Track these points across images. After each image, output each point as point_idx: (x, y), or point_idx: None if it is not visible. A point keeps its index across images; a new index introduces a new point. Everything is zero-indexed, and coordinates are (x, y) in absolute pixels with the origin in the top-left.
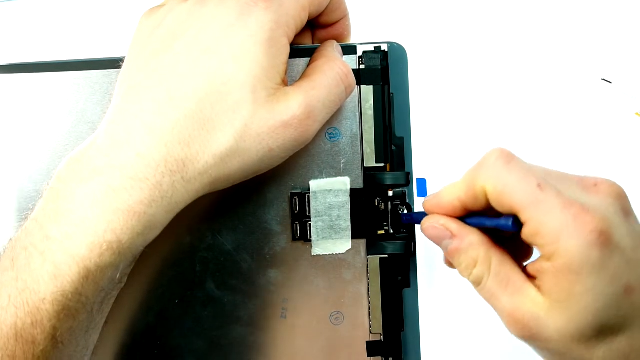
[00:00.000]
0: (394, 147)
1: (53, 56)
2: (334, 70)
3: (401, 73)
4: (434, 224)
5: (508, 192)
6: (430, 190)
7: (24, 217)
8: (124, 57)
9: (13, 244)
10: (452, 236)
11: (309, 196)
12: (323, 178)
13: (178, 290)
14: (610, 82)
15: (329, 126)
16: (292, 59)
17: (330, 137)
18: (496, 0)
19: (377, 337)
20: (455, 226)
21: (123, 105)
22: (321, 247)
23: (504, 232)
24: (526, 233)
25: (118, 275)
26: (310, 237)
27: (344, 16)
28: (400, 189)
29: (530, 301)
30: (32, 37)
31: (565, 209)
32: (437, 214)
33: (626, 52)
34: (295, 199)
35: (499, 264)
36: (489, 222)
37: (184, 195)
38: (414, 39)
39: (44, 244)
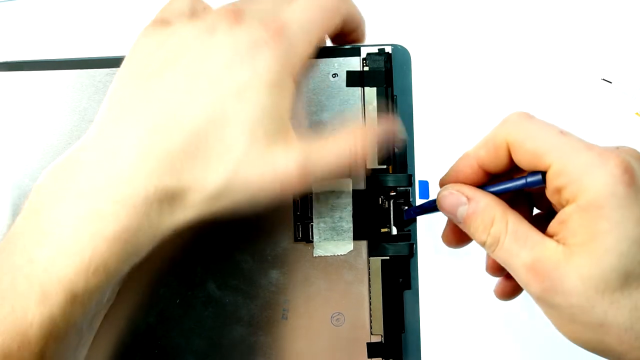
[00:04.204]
0: (396, 149)
1: (56, 54)
2: (348, 151)
3: (405, 75)
4: (450, 191)
5: (532, 138)
6: (432, 192)
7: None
8: None
9: None
10: (468, 200)
11: (311, 197)
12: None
13: (179, 290)
14: (610, 82)
15: (333, 128)
16: None
17: None
18: (497, 3)
19: (378, 339)
20: (471, 191)
21: (114, 124)
22: (323, 248)
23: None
24: (551, 176)
25: (106, 297)
26: (312, 238)
27: (359, 25)
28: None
29: (551, 251)
30: (35, 35)
31: (589, 149)
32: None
33: (626, 52)
34: (298, 200)
35: (516, 222)
36: (514, 184)
37: (169, 226)
38: (417, 41)
39: (28, 267)
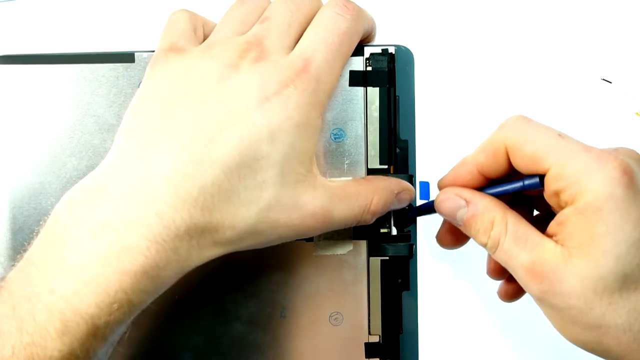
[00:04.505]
0: (398, 150)
1: (60, 49)
2: (365, 200)
3: (407, 76)
4: (448, 195)
5: (530, 141)
6: (433, 193)
7: (26, 213)
8: (132, 52)
9: (10, 287)
10: (467, 203)
11: None
12: (327, 178)
13: (177, 287)
14: (610, 82)
15: (334, 127)
16: None
17: (335, 138)
18: (498, 5)
19: (376, 339)
20: (469, 193)
21: (139, 152)
22: (323, 247)
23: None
24: (549, 180)
25: (125, 328)
26: (313, 237)
27: (372, 31)
28: None
29: (550, 252)
30: (39, 29)
31: (588, 151)
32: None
33: (626, 52)
34: None
35: (516, 223)
36: (511, 186)
37: (195, 260)
38: (420, 42)
39: (49, 298)
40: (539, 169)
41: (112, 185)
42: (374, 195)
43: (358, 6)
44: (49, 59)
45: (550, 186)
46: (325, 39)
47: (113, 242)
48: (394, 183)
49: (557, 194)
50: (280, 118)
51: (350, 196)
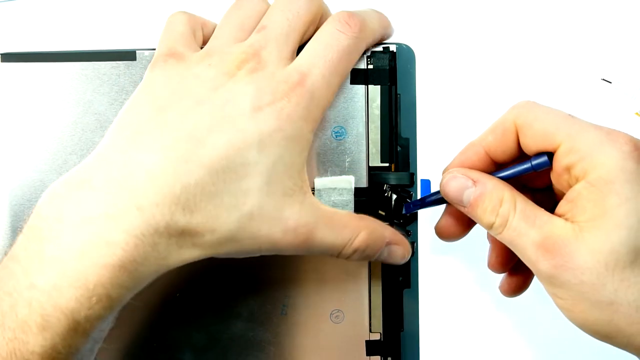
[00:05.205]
0: (399, 148)
1: (61, 47)
2: (351, 233)
3: (409, 74)
4: (455, 175)
5: (541, 119)
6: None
7: (29, 211)
8: (133, 50)
9: None
10: (474, 183)
11: (313, 194)
12: (328, 176)
13: (178, 285)
14: (610, 82)
15: (336, 124)
16: None
17: (336, 136)
18: (499, 4)
19: (377, 337)
20: (476, 174)
21: (125, 146)
22: None
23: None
24: (560, 155)
25: (108, 324)
26: None
27: (384, 37)
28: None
29: (560, 228)
30: (40, 28)
31: (598, 128)
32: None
33: (626, 52)
34: None
35: (524, 202)
36: (519, 168)
37: (175, 259)
38: (422, 40)
39: (29, 293)
40: (549, 146)
41: (95, 178)
42: (361, 231)
43: (362, 22)
44: (51, 57)
45: (561, 162)
46: (324, 55)
47: (93, 235)
48: (389, 231)
49: (568, 169)
50: (271, 128)
51: (337, 224)
